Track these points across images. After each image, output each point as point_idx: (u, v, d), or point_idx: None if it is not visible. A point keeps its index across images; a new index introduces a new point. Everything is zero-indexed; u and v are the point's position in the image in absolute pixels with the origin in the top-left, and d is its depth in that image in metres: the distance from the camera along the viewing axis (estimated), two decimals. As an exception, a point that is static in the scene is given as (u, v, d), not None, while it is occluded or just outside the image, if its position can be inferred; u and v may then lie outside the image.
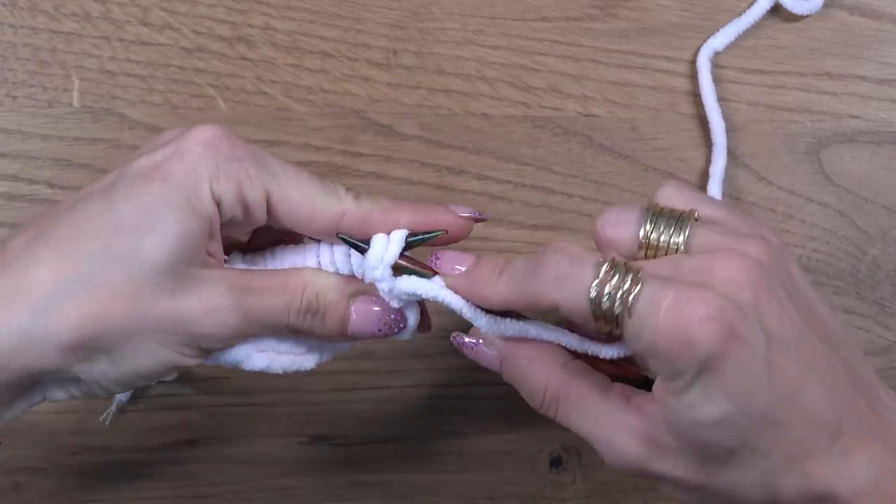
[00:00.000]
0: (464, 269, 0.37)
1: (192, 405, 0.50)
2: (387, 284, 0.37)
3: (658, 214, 0.34)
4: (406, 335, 0.39)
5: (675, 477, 0.34)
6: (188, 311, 0.34)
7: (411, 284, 0.37)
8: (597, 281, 0.32)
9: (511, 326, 0.37)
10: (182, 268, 0.33)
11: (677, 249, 0.33)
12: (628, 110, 0.53)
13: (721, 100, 0.53)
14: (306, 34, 0.51)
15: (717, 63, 0.53)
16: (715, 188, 0.52)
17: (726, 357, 0.31)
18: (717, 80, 0.53)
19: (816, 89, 0.54)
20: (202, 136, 0.35)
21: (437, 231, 0.37)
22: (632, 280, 0.32)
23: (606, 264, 0.32)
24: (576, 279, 0.32)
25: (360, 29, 0.51)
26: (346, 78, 0.51)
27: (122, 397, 0.49)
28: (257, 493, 0.51)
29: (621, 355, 0.36)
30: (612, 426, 0.34)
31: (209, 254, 0.35)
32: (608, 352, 0.36)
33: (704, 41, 0.53)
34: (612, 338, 0.35)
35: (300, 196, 0.36)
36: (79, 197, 0.35)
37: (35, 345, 0.33)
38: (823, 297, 0.36)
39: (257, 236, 0.41)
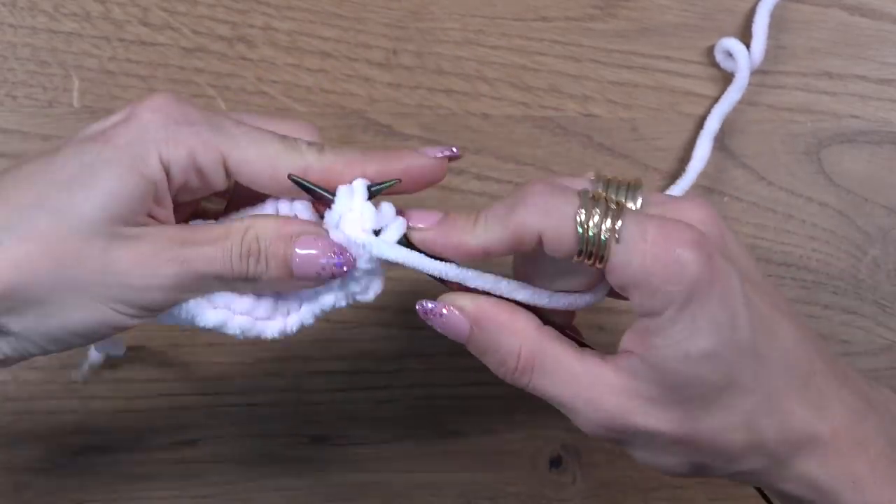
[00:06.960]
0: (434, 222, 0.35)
1: (193, 405, 0.50)
2: (362, 238, 0.35)
3: (608, 182, 0.34)
4: (369, 295, 0.37)
5: (658, 430, 0.33)
6: (120, 264, 0.33)
7: (385, 249, 0.35)
8: (583, 209, 0.32)
9: (485, 279, 0.35)
10: (117, 225, 0.33)
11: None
12: (628, 110, 0.53)
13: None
14: (306, 34, 0.51)
15: (716, 63, 0.53)
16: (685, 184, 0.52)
17: (713, 284, 0.31)
18: (717, 80, 0.53)
19: (816, 89, 0.54)
20: (153, 102, 0.34)
21: (392, 180, 0.36)
22: (616, 208, 0.32)
23: (591, 193, 0.33)
24: (562, 206, 0.32)
25: (360, 29, 0.51)
26: (346, 78, 0.51)
27: (95, 356, 0.47)
28: (257, 493, 0.51)
29: (599, 300, 0.36)
30: (592, 385, 0.33)
31: (153, 217, 0.34)
32: (583, 300, 0.36)
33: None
34: (587, 284, 0.35)
35: (259, 155, 0.35)
36: (27, 158, 0.35)
37: None
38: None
39: (233, 204, 0.39)
